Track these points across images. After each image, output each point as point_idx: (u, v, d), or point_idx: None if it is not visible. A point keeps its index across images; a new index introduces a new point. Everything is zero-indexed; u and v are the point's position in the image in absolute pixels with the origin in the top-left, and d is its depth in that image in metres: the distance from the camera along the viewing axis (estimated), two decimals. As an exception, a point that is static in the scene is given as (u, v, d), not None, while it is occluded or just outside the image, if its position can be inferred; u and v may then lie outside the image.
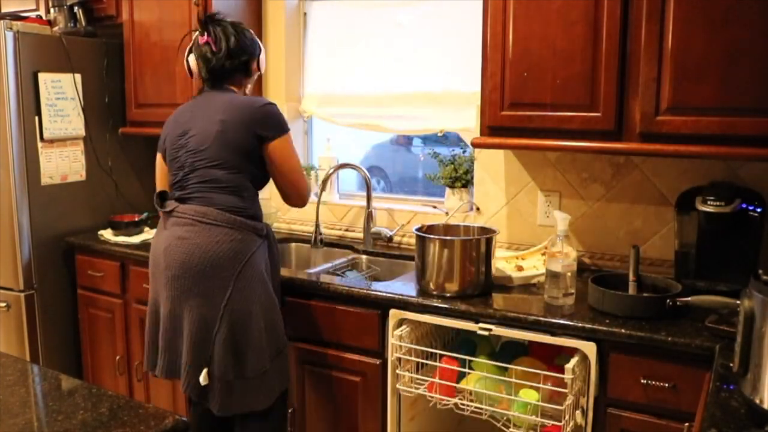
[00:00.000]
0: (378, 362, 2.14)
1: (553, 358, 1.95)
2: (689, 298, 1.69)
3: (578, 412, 1.80)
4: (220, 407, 1.94)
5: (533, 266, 2.20)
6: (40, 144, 2.84)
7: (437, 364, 1.98)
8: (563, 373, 1.74)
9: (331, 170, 2.75)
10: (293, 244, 2.91)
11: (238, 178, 1.99)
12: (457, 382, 1.96)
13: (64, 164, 2.95)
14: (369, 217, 2.74)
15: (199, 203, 1.98)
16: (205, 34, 2.07)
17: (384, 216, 2.80)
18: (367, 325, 2.14)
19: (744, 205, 1.88)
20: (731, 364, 1.33)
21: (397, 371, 2.04)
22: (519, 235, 2.48)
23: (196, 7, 2.75)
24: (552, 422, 1.81)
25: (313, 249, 2.75)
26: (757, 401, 1.23)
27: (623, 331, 1.74)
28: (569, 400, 1.76)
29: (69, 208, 2.99)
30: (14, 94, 2.73)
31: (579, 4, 1.94)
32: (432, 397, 2.00)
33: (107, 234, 2.93)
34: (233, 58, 2.07)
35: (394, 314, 2.04)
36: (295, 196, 2.12)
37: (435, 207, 2.72)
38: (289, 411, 2.33)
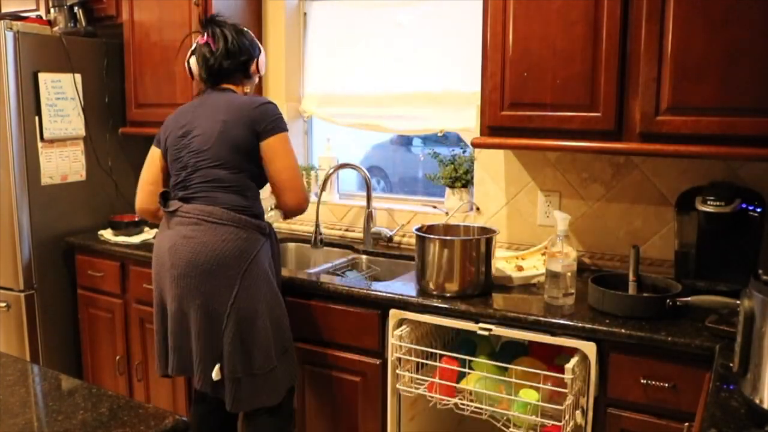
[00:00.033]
0: (378, 362, 2.14)
1: (553, 358, 1.95)
2: (689, 298, 1.69)
3: (578, 412, 1.80)
4: (231, 403, 1.96)
5: (533, 266, 2.20)
6: (40, 144, 2.84)
7: (437, 364, 1.98)
8: (563, 373, 1.74)
9: (331, 170, 2.75)
10: (293, 244, 2.91)
11: (240, 177, 2.00)
12: (457, 382, 1.96)
13: (64, 164, 2.95)
14: (369, 217, 2.74)
15: (203, 202, 1.99)
16: (205, 34, 2.09)
17: (384, 216, 2.80)
18: (367, 325, 2.14)
19: (744, 205, 1.88)
20: (731, 364, 1.33)
21: (397, 371, 2.04)
22: (519, 235, 2.48)
23: (196, 7, 2.75)
24: (552, 422, 1.81)
25: (313, 249, 2.75)
26: (757, 401, 1.23)
27: (623, 331, 1.74)
28: (569, 400, 1.76)
29: (69, 208, 2.99)
30: (14, 94, 2.73)
31: (579, 4, 1.94)
32: (432, 397, 2.00)
33: (107, 234, 2.93)
34: (231, 58, 2.08)
35: (394, 314, 2.04)
36: (291, 198, 2.06)
37: (435, 207, 2.72)
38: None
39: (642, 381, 1.73)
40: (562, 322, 1.82)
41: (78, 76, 2.95)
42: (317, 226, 2.66)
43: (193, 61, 2.13)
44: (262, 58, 2.18)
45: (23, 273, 2.82)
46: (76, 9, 3.06)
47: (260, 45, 2.20)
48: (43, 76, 2.82)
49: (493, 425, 1.98)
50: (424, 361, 2.03)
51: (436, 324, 2.02)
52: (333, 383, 2.25)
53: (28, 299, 2.85)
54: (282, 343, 2.03)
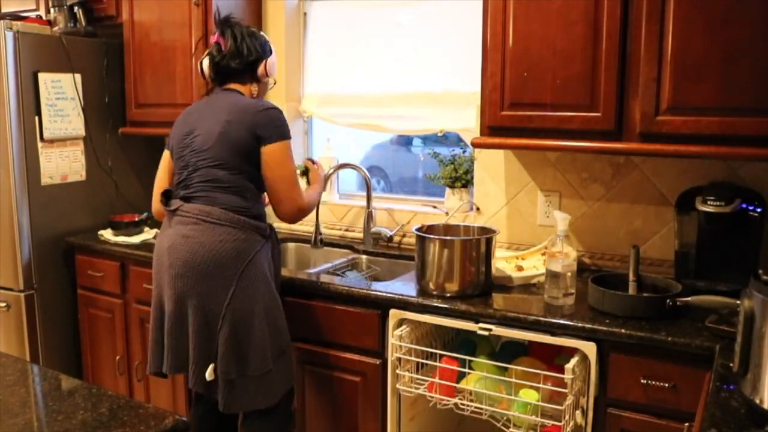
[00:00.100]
0: (378, 362, 2.14)
1: (553, 358, 1.95)
2: (689, 298, 1.69)
3: (578, 412, 1.80)
4: (224, 405, 1.95)
5: (533, 266, 2.20)
6: (40, 144, 2.84)
7: (437, 364, 1.98)
8: (563, 373, 1.74)
9: (331, 170, 2.75)
10: (293, 244, 2.91)
11: (239, 178, 2.00)
12: (457, 382, 1.96)
13: (64, 164, 2.95)
14: (369, 217, 2.74)
15: (203, 202, 1.99)
16: (216, 34, 2.11)
17: (384, 216, 2.80)
18: (367, 325, 2.14)
19: (744, 205, 1.88)
20: (731, 364, 1.33)
21: (397, 371, 2.04)
22: (519, 235, 2.48)
23: (196, 7, 2.75)
24: (552, 422, 1.81)
25: (313, 249, 2.75)
26: (757, 401, 1.23)
27: (623, 331, 1.74)
28: (569, 400, 1.76)
29: (69, 208, 2.99)
30: (14, 94, 2.73)
31: (579, 4, 1.94)
32: (432, 397, 2.00)
33: (107, 234, 2.93)
34: (239, 58, 2.08)
35: (394, 314, 2.04)
36: (286, 208, 2.04)
37: (435, 207, 2.73)
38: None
39: (642, 381, 1.73)
40: (562, 322, 1.82)
41: (78, 76, 2.95)
42: (317, 226, 2.66)
43: (206, 62, 2.15)
44: (271, 60, 2.15)
45: (23, 273, 2.82)
46: (76, 9, 3.06)
47: (272, 48, 2.18)
48: (43, 76, 2.82)
49: (493, 425, 1.98)
50: (424, 361, 2.03)
51: (436, 324, 2.02)
52: (333, 383, 2.25)
53: (28, 299, 2.85)
54: (279, 345, 2.02)
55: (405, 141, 3.39)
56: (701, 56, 1.78)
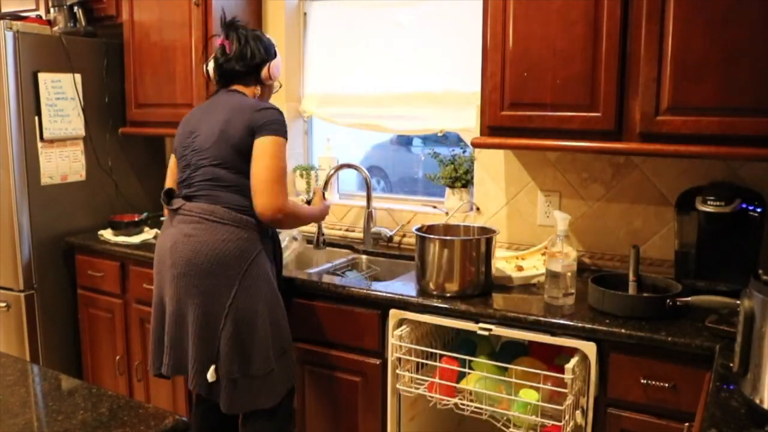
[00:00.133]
0: (378, 362, 2.14)
1: (553, 358, 1.95)
2: (689, 298, 1.69)
3: (578, 412, 1.80)
4: (226, 405, 1.95)
5: (533, 266, 2.20)
6: (40, 144, 2.84)
7: (437, 364, 1.98)
8: (563, 373, 1.74)
9: (332, 171, 2.75)
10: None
11: (240, 177, 2.00)
12: (457, 382, 1.96)
13: (64, 164, 2.95)
14: (369, 217, 2.74)
15: (205, 201, 1.99)
16: (221, 37, 2.12)
17: (384, 216, 2.80)
18: (367, 325, 2.14)
19: (744, 205, 1.88)
20: (731, 364, 1.33)
21: (397, 371, 2.04)
22: (519, 235, 2.48)
23: (196, 7, 2.75)
24: (552, 422, 1.81)
25: (315, 249, 2.75)
26: (757, 401, 1.23)
27: (623, 331, 1.74)
28: (569, 400, 1.76)
29: (69, 208, 2.99)
30: (14, 94, 2.73)
31: (579, 4, 1.94)
32: (432, 397, 2.00)
33: (107, 234, 2.93)
34: (243, 60, 2.09)
35: (394, 314, 2.04)
36: (264, 203, 1.94)
37: (435, 207, 2.73)
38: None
39: (642, 381, 1.73)
40: (562, 322, 1.82)
41: (78, 76, 2.95)
42: (319, 226, 2.66)
43: (211, 64, 2.16)
44: (275, 63, 2.14)
45: (23, 273, 2.82)
46: (76, 9, 3.06)
47: (277, 51, 2.18)
48: (43, 76, 2.82)
49: (493, 425, 1.98)
50: (424, 361, 2.03)
51: (436, 324, 2.02)
52: (333, 383, 2.25)
53: (28, 299, 2.85)
54: (281, 344, 2.02)
55: (405, 141, 3.39)
56: (701, 56, 1.78)
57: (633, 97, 1.92)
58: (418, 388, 2.03)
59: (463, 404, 1.95)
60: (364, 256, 2.72)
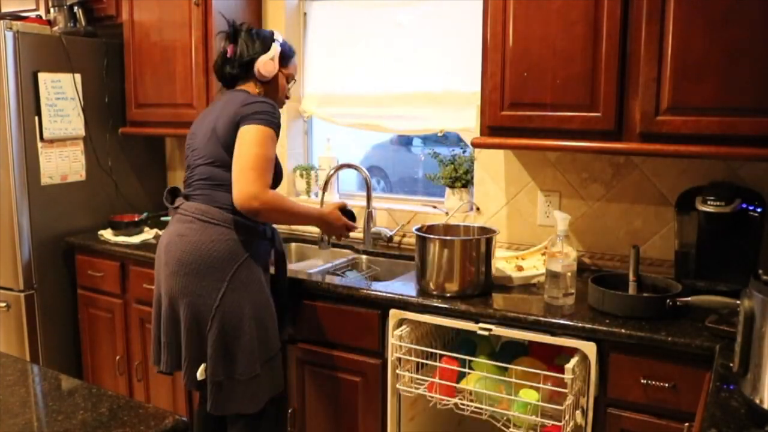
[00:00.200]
0: (378, 362, 2.14)
1: (553, 358, 1.95)
2: (689, 298, 1.69)
3: (578, 412, 1.80)
4: (211, 406, 1.95)
5: (533, 266, 2.20)
6: (40, 144, 2.84)
7: (437, 364, 1.98)
8: (563, 373, 1.74)
9: (332, 171, 2.75)
10: (294, 244, 2.91)
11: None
12: (457, 382, 1.96)
13: (64, 164, 2.95)
14: (369, 217, 2.74)
15: (201, 201, 2.00)
16: (222, 39, 2.13)
17: (384, 216, 2.80)
18: (367, 325, 2.14)
19: (744, 205, 1.88)
20: (731, 364, 1.33)
21: (397, 371, 2.04)
22: (519, 235, 2.48)
23: (197, 6, 2.75)
24: (552, 422, 1.81)
25: (317, 249, 2.75)
26: (757, 401, 1.23)
27: (623, 331, 1.74)
28: (569, 400, 1.76)
29: (69, 208, 2.99)
30: (14, 94, 2.73)
31: (579, 4, 1.94)
32: (432, 397, 2.00)
33: (107, 234, 2.93)
34: (234, 62, 2.08)
35: (394, 314, 2.04)
36: (237, 190, 1.85)
37: (435, 207, 2.72)
38: (289, 411, 2.33)
39: (642, 381, 1.73)
40: (562, 322, 1.82)
41: (78, 76, 2.95)
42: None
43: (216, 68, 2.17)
44: (262, 60, 2.05)
45: (23, 273, 2.82)
46: (76, 9, 3.06)
47: (272, 47, 2.07)
48: (42, 76, 2.82)
49: (493, 425, 1.98)
50: (424, 361, 2.03)
51: (436, 324, 2.02)
52: (333, 383, 2.25)
53: (28, 299, 2.85)
54: (267, 351, 1.99)
55: (405, 141, 3.39)
56: (701, 56, 1.78)
57: (633, 97, 1.92)
58: (418, 388, 2.03)
59: (463, 404, 1.95)
60: (364, 256, 2.72)
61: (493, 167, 2.50)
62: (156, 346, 2.08)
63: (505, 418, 1.91)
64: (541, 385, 1.80)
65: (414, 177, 3.21)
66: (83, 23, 3.08)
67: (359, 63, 2.89)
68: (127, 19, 2.99)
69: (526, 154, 2.42)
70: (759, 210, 1.88)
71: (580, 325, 1.79)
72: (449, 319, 1.97)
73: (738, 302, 1.30)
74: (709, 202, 1.87)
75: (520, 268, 2.18)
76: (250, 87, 2.09)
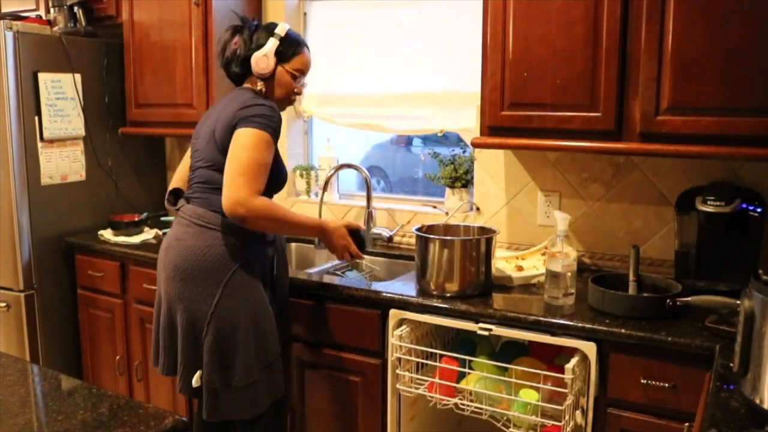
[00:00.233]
0: (378, 362, 2.14)
1: (553, 358, 1.95)
2: (689, 298, 1.69)
3: (578, 412, 1.80)
4: (207, 412, 1.92)
5: (533, 266, 2.20)
6: (40, 144, 2.84)
7: (437, 364, 1.98)
8: (563, 373, 1.74)
9: (332, 171, 2.75)
10: (294, 244, 2.91)
11: None
12: (457, 382, 1.96)
13: (64, 164, 2.95)
14: (369, 217, 2.74)
15: (198, 204, 1.98)
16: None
17: (384, 216, 2.79)
18: (367, 325, 2.14)
19: (744, 205, 1.88)
20: (731, 364, 1.33)
21: (397, 371, 2.04)
22: (519, 235, 2.48)
23: (197, 6, 2.75)
24: (552, 422, 1.81)
25: (318, 250, 2.75)
26: (757, 401, 1.23)
27: (623, 331, 1.74)
28: (569, 400, 1.76)
29: (69, 208, 2.99)
30: (14, 94, 2.73)
31: (579, 4, 1.94)
32: (432, 397, 2.00)
33: (107, 234, 2.93)
34: (234, 61, 2.04)
35: (394, 314, 2.04)
36: (225, 194, 1.81)
37: (435, 207, 2.72)
38: (289, 411, 2.33)
39: (642, 381, 1.73)
40: (562, 322, 1.82)
41: (78, 76, 2.95)
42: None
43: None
44: (256, 56, 1.98)
45: (23, 273, 2.82)
46: (76, 9, 3.06)
47: (268, 42, 1.99)
48: (42, 76, 2.82)
49: (493, 425, 1.98)
50: (424, 361, 2.03)
51: (436, 324, 2.02)
52: (333, 383, 2.25)
53: (28, 299, 2.85)
54: (265, 357, 1.94)
55: (405, 141, 3.40)
56: (701, 56, 1.78)
57: (633, 97, 1.92)
58: (418, 388, 2.03)
59: (463, 404, 1.95)
60: (363, 256, 2.71)
61: (493, 167, 2.50)
62: (156, 347, 2.08)
63: (505, 418, 1.91)
64: (541, 385, 1.80)
65: (414, 177, 3.21)
66: (83, 23, 3.08)
67: (359, 63, 2.89)
68: (127, 19, 2.99)
69: (526, 154, 2.42)
70: (759, 210, 1.88)
71: (580, 325, 1.79)
72: (449, 319, 1.97)
73: (738, 302, 1.30)
74: (709, 202, 1.88)
75: (520, 268, 2.18)
76: (254, 84, 2.04)
